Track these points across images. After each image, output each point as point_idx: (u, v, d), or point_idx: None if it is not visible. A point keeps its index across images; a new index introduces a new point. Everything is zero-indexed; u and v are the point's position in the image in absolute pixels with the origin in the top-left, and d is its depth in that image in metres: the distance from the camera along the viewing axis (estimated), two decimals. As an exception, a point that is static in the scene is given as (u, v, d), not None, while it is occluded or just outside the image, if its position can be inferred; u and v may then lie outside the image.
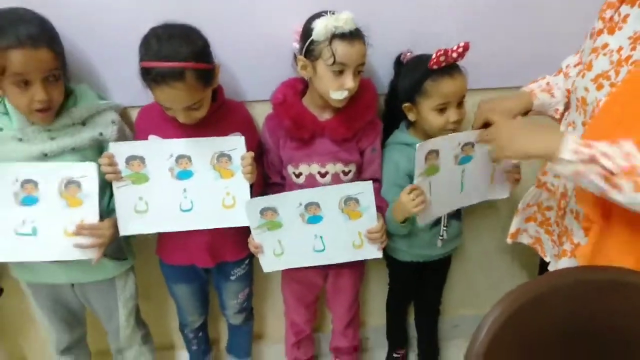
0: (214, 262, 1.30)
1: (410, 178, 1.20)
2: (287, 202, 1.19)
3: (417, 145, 1.14)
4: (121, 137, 1.19)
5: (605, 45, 0.95)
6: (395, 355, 1.66)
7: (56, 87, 1.05)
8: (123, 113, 1.27)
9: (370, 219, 1.22)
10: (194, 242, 1.25)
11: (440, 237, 1.35)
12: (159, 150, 1.14)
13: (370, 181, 1.19)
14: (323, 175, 1.25)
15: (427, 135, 1.25)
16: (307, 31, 1.12)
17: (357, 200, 1.19)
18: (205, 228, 1.19)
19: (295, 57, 1.19)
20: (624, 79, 0.88)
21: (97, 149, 1.16)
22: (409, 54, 1.26)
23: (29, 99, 1.01)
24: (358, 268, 1.43)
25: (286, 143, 1.26)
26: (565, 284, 0.81)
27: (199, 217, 1.18)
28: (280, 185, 1.31)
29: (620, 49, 0.91)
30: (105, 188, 1.17)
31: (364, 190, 1.18)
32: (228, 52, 1.19)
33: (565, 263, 1.09)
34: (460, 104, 1.22)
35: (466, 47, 1.14)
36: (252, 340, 1.59)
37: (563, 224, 1.10)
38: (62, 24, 1.09)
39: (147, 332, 1.44)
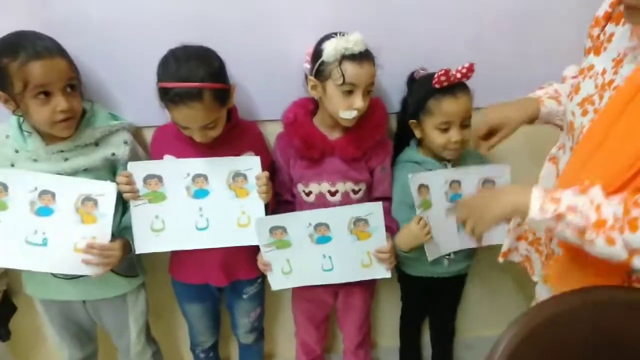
0: (228, 281, 1.30)
1: None
2: (296, 222, 1.20)
3: (409, 175, 1.16)
4: (134, 157, 1.20)
5: (591, 67, 0.93)
6: (408, 377, 1.64)
7: (75, 97, 1.07)
8: (136, 133, 1.28)
9: (379, 240, 1.22)
10: (208, 260, 1.26)
11: (447, 257, 1.35)
12: (176, 170, 1.15)
13: (380, 203, 1.20)
14: (333, 194, 1.26)
15: (434, 154, 1.27)
16: (317, 52, 1.15)
17: (366, 221, 1.20)
18: (220, 246, 1.20)
19: (306, 77, 1.22)
20: (605, 105, 0.85)
21: (110, 169, 1.18)
22: (422, 71, 1.28)
23: (51, 111, 1.03)
24: (369, 286, 1.43)
25: (296, 162, 1.27)
26: (581, 305, 0.80)
27: (214, 236, 1.19)
28: (291, 204, 1.32)
29: (604, 71, 0.88)
30: (118, 207, 1.18)
31: (374, 211, 1.19)
32: (241, 72, 1.21)
33: (540, 288, 1.08)
34: (465, 125, 1.22)
35: (470, 68, 1.15)
36: (263, 360, 1.59)
37: (550, 246, 1.07)
38: (78, 46, 1.11)
39: (158, 349, 1.44)
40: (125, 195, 1.13)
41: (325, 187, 1.26)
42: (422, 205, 1.23)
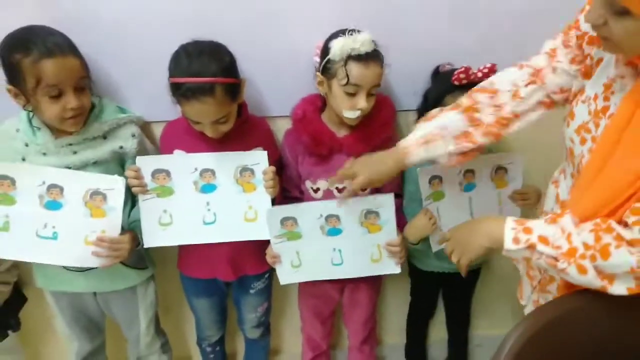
0: (236, 276, 1.31)
1: None
2: (307, 213, 1.20)
3: (418, 169, 1.15)
4: (141, 150, 1.21)
5: (582, 91, 0.91)
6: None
7: (85, 94, 1.09)
8: (144, 127, 1.29)
9: (389, 233, 1.22)
10: (216, 255, 1.27)
11: None
12: (184, 164, 1.16)
13: (392, 194, 1.20)
14: (340, 191, 1.26)
15: None
16: (325, 49, 1.15)
17: (377, 214, 1.20)
18: (227, 241, 1.21)
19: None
20: (601, 135, 0.84)
21: (119, 161, 1.19)
22: (448, 66, 1.27)
23: (61, 108, 1.04)
24: (375, 282, 1.43)
25: (305, 159, 1.27)
26: (585, 305, 0.80)
27: (221, 230, 1.20)
28: (298, 200, 1.32)
29: (595, 97, 0.87)
30: (127, 201, 1.20)
31: (385, 203, 1.19)
32: (250, 68, 1.21)
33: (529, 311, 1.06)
34: None
35: (492, 69, 1.14)
36: (269, 356, 1.60)
37: (547, 271, 1.04)
38: (89, 41, 1.12)
39: (166, 341, 1.46)
40: (133, 190, 1.14)
41: (333, 184, 1.26)
42: (431, 196, 1.23)
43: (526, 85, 0.99)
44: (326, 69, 1.15)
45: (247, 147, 1.18)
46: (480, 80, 1.15)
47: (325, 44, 1.15)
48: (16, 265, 1.31)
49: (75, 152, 1.12)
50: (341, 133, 1.25)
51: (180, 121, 1.20)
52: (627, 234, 0.74)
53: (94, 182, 1.11)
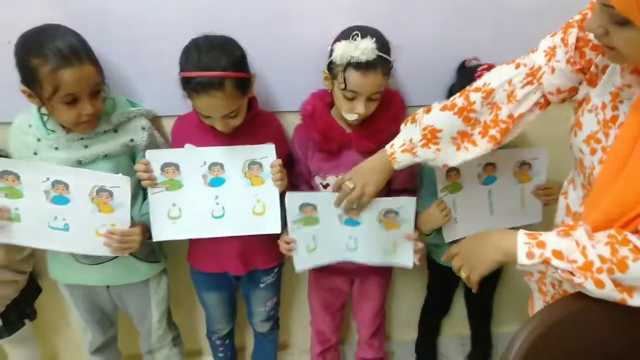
0: (246, 270, 1.32)
1: None
2: (328, 202, 1.19)
3: None
4: (152, 143, 1.22)
5: (589, 100, 0.88)
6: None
7: (99, 97, 1.10)
8: (154, 121, 1.30)
9: (407, 230, 1.23)
10: (226, 250, 1.28)
11: None
12: (192, 158, 1.17)
13: (414, 198, 1.19)
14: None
15: None
16: (330, 49, 1.15)
17: (397, 213, 1.20)
18: (236, 235, 1.21)
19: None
20: (612, 146, 0.82)
21: (129, 155, 1.20)
22: (474, 61, 1.26)
23: (76, 114, 1.05)
24: (385, 275, 1.43)
25: (314, 154, 1.27)
26: (597, 304, 0.78)
27: (230, 224, 1.20)
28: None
29: (604, 106, 0.84)
30: (139, 194, 1.21)
31: (406, 205, 1.19)
32: (259, 63, 1.21)
33: None
34: None
35: None
36: (278, 349, 1.60)
37: (561, 286, 1.01)
38: (100, 36, 1.13)
39: (178, 334, 1.47)
40: (143, 183, 1.15)
41: (342, 179, 1.26)
42: (447, 188, 1.23)
43: (522, 87, 0.97)
44: (330, 68, 1.15)
45: (257, 142, 1.18)
46: None
47: (334, 42, 1.14)
48: (32, 254, 1.32)
49: (86, 146, 1.13)
50: (349, 129, 1.25)
51: (191, 115, 1.21)
52: None
53: (99, 180, 1.11)
